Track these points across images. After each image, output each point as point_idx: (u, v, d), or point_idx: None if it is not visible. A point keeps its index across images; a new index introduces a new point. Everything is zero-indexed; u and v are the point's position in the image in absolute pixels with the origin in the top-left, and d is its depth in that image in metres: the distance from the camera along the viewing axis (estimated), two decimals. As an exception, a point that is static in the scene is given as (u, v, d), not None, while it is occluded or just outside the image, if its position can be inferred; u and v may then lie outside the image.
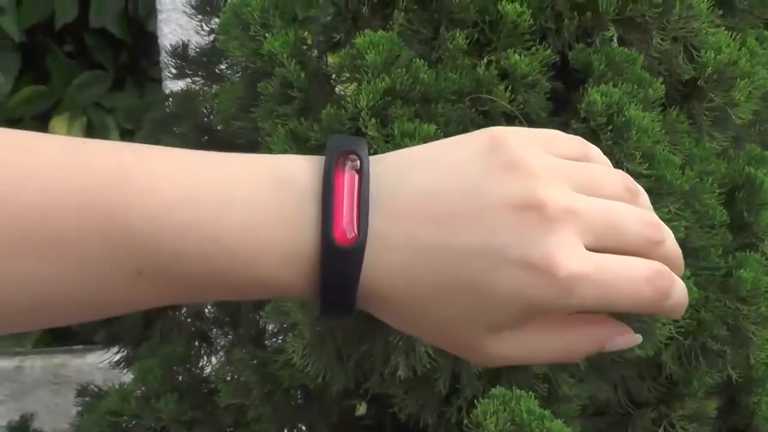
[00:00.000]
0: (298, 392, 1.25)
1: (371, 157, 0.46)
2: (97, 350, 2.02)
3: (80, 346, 2.54)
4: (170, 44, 1.49)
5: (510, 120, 1.08)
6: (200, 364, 1.38)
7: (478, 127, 1.07)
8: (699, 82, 1.14)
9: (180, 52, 1.46)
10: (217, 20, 1.35)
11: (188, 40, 1.47)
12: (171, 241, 0.44)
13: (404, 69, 1.07)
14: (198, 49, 1.46)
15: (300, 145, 1.09)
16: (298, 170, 0.45)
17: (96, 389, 1.47)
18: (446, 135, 1.05)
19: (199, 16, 1.42)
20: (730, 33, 1.15)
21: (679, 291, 0.47)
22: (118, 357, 1.51)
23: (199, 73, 1.44)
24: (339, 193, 0.44)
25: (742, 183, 1.17)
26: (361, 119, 1.06)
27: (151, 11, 2.54)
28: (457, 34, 1.08)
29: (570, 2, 1.09)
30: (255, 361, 1.23)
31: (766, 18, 1.24)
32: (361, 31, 1.09)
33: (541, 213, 0.44)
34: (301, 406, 1.26)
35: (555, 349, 0.47)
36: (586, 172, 0.47)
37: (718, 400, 1.19)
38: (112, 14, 2.72)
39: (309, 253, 0.44)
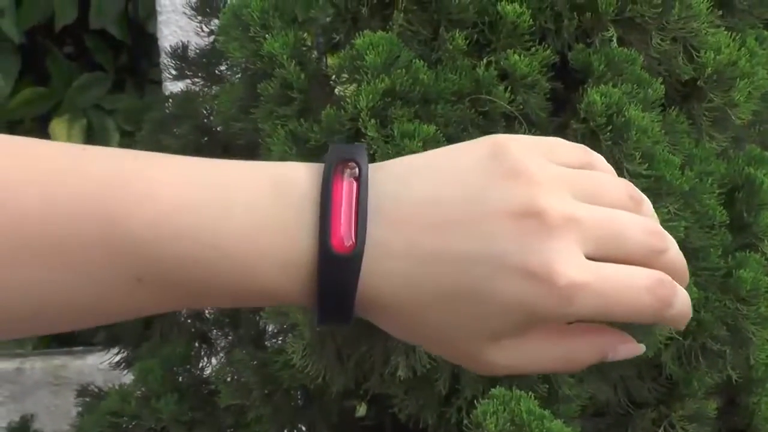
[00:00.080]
0: (298, 393, 1.25)
1: (372, 165, 0.46)
2: (97, 351, 2.02)
3: (80, 348, 2.54)
4: (170, 45, 1.49)
5: (510, 120, 1.08)
6: (200, 364, 1.38)
7: (478, 127, 1.07)
8: (699, 83, 1.14)
9: (180, 53, 1.46)
10: (216, 21, 1.35)
11: (188, 42, 1.47)
12: (171, 248, 0.44)
13: (404, 70, 1.07)
14: (198, 51, 1.46)
15: (300, 146, 1.09)
16: (298, 177, 0.45)
17: (96, 390, 1.47)
18: (446, 135, 1.05)
19: (199, 18, 1.42)
20: (729, 33, 1.15)
21: (681, 300, 0.46)
22: (118, 358, 1.51)
23: (199, 74, 1.44)
24: (337, 201, 0.44)
25: (741, 183, 1.17)
26: (360, 120, 1.05)
27: (151, 13, 2.53)
28: (457, 34, 1.08)
29: (569, 3, 1.09)
30: (255, 362, 1.23)
31: (766, 18, 1.24)
32: (361, 32, 1.09)
33: (541, 220, 0.44)
34: (302, 407, 1.26)
35: (556, 358, 0.47)
36: (588, 180, 0.46)
37: (718, 401, 1.19)
38: (112, 16, 2.72)
39: (307, 261, 0.44)
